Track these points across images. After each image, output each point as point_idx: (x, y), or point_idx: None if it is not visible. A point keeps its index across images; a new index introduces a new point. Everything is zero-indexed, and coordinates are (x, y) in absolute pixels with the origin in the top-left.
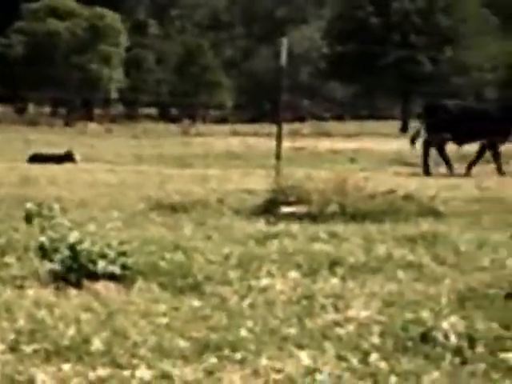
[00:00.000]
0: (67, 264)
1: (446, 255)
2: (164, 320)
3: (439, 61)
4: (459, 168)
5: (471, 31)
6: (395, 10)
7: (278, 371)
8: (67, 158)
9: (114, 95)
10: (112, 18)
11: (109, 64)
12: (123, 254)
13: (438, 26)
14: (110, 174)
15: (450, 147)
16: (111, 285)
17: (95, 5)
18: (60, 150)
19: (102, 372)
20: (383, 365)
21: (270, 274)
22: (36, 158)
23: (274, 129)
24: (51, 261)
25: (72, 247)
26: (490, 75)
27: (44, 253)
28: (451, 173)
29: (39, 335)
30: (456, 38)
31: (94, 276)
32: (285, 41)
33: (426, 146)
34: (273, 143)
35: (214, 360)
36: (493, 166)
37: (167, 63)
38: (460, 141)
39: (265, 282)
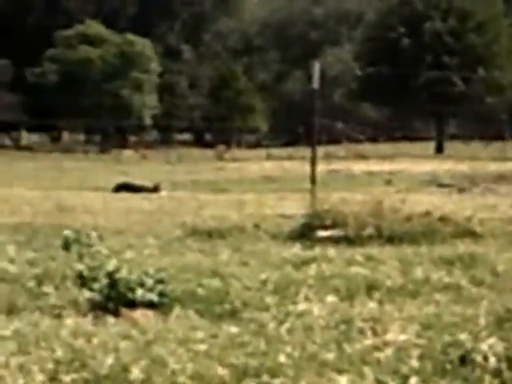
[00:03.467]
0: (106, 293)
1: (484, 276)
2: (202, 347)
3: (472, 81)
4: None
5: (504, 50)
6: (427, 30)
7: None
8: (154, 190)
9: (148, 121)
10: (143, 44)
11: (141, 90)
12: (161, 281)
13: (470, 45)
14: (145, 200)
15: None
16: (149, 313)
17: (126, 31)
18: (145, 181)
19: None
20: None
21: (307, 299)
22: (122, 188)
23: (308, 152)
24: (90, 289)
25: (110, 275)
26: None
27: (83, 281)
28: None
29: (78, 364)
30: (489, 58)
31: (132, 304)
32: (317, 64)
33: None
34: (308, 167)
35: None
36: None
37: (200, 88)
38: None
39: (302, 307)
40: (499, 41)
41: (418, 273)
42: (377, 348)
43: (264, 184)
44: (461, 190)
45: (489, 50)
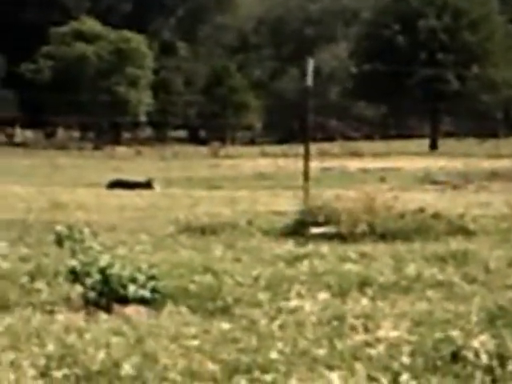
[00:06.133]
0: (98, 288)
1: (476, 273)
2: (194, 343)
3: (467, 78)
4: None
5: (498, 48)
6: (422, 28)
7: None
8: (147, 185)
9: (143, 118)
10: (138, 40)
11: (136, 87)
12: (153, 277)
13: (464, 43)
14: (139, 197)
15: None
16: (141, 309)
17: (121, 28)
18: (139, 178)
19: None
20: None
21: (299, 296)
22: (116, 185)
23: (302, 149)
24: (82, 285)
25: (103, 271)
26: None
27: (75, 277)
28: None
29: (69, 360)
30: (483, 55)
31: (125, 300)
32: (311, 61)
33: None
34: (302, 164)
35: (244, 382)
36: None
37: (195, 85)
38: None
39: (294, 303)
40: (493, 38)
41: (411, 269)
42: (368, 344)
43: (258, 181)
44: (454, 187)
45: (483, 47)
